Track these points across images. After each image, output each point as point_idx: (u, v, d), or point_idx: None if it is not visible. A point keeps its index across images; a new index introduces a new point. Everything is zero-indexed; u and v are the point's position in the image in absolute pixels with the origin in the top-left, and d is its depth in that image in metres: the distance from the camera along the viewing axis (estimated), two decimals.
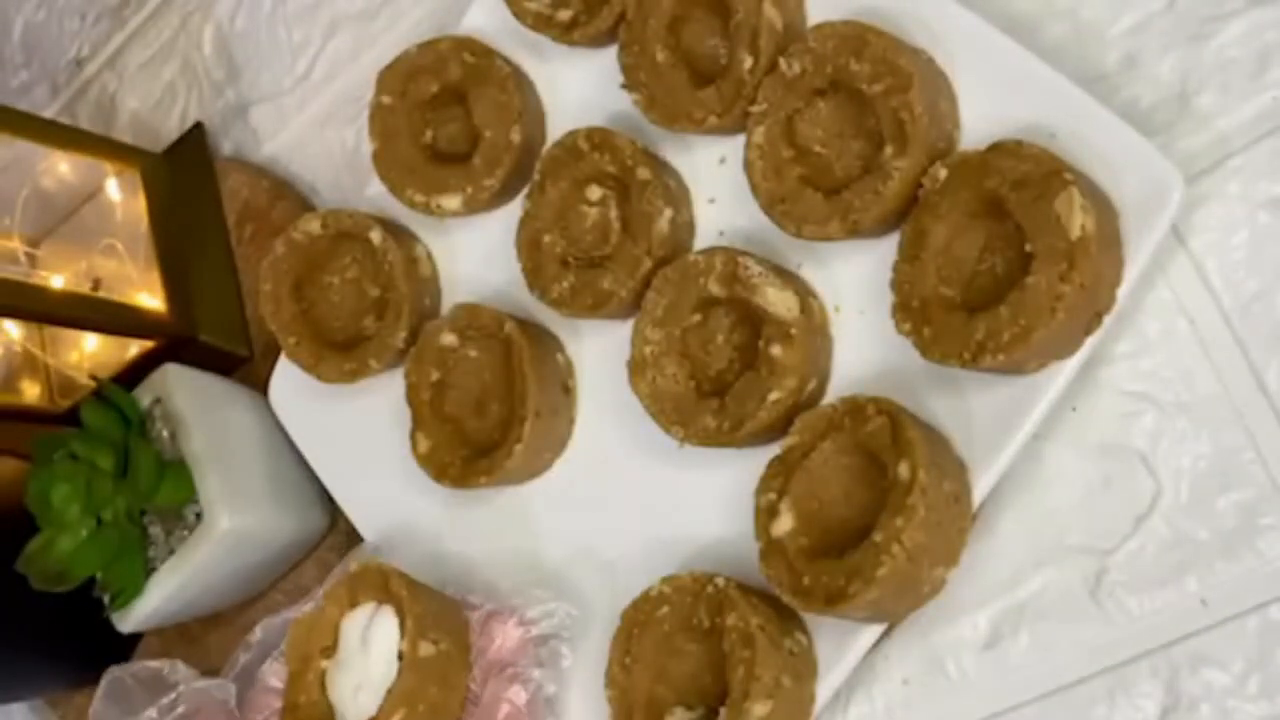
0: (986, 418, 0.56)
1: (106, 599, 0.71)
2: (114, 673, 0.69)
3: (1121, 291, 0.55)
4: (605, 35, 0.67)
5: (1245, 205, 0.57)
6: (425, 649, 0.61)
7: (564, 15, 0.68)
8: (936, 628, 0.59)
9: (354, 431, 0.73)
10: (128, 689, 0.68)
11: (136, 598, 0.70)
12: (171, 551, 0.70)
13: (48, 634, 0.76)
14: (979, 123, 0.59)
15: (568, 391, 0.68)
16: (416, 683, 0.61)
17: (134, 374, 0.76)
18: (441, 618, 0.63)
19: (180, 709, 0.66)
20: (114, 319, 0.77)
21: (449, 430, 0.68)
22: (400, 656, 0.61)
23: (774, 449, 0.58)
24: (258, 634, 0.68)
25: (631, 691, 0.58)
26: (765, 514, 0.57)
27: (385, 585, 0.63)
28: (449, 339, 0.68)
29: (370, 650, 0.61)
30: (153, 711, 0.66)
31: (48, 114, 0.98)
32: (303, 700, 0.63)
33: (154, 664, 0.68)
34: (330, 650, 0.63)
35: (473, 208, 0.70)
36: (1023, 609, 0.58)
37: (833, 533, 0.56)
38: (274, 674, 0.67)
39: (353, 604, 0.64)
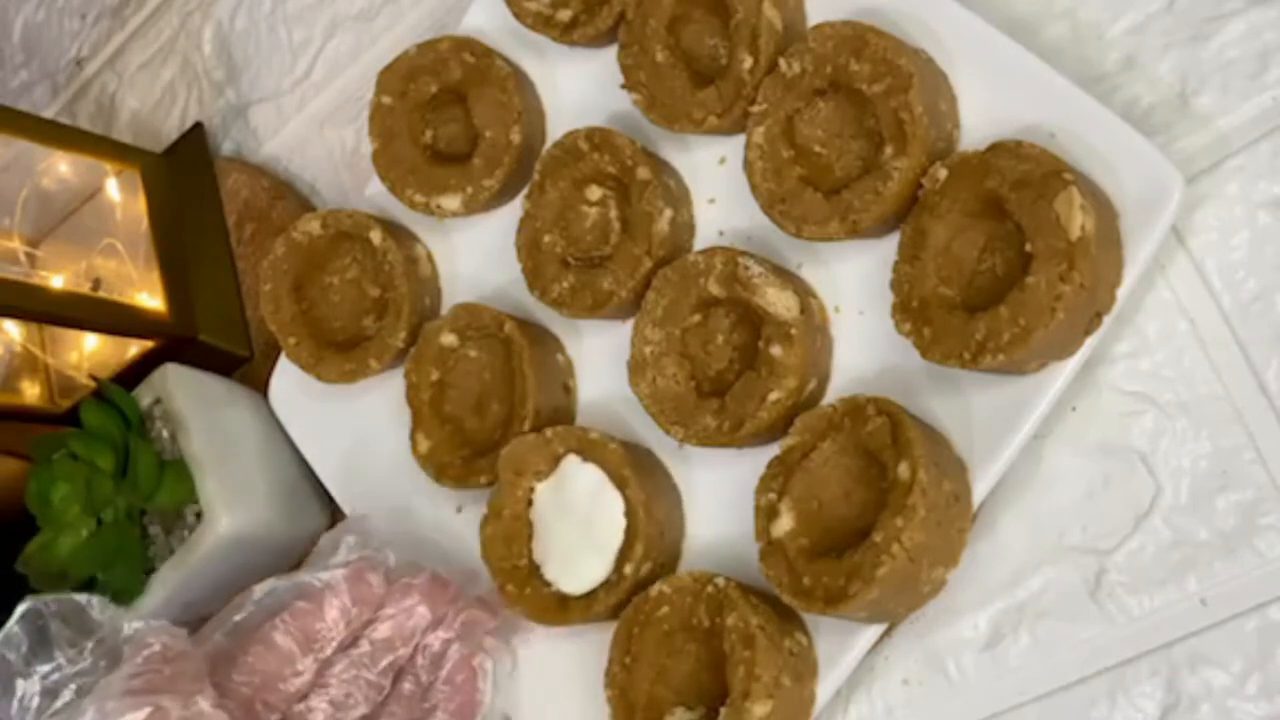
0: (986, 418, 0.56)
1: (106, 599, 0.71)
2: (29, 603, 0.59)
3: (1121, 291, 0.55)
4: (605, 35, 0.67)
5: (1245, 205, 0.57)
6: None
7: (564, 15, 0.68)
8: (936, 628, 0.59)
9: (354, 431, 0.73)
10: (44, 622, 0.59)
11: (136, 598, 0.70)
12: (171, 551, 0.70)
13: None
14: (979, 123, 0.59)
15: (568, 391, 0.68)
16: None
17: (134, 374, 0.76)
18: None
19: (136, 662, 0.57)
20: (114, 319, 0.77)
21: (449, 430, 0.68)
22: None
23: (774, 449, 0.58)
24: (257, 594, 0.63)
25: (631, 691, 0.58)
26: (765, 514, 0.57)
27: (624, 485, 0.62)
28: (449, 339, 0.68)
29: (594, 533, 0.62)
30: (80, 654, 0.58)
31: (48, 114, 0.98)
32: (506, 512, 0.64)
33: (77, 597, 0.60)
34: (544, 474, 0.64)
35: (473, 208, 0.70)
36: (1023, 609, 0.58)
37: (833, 533, 0.56)
38: (281, 631, 0.61)
39: (581, 455, 0.63)
